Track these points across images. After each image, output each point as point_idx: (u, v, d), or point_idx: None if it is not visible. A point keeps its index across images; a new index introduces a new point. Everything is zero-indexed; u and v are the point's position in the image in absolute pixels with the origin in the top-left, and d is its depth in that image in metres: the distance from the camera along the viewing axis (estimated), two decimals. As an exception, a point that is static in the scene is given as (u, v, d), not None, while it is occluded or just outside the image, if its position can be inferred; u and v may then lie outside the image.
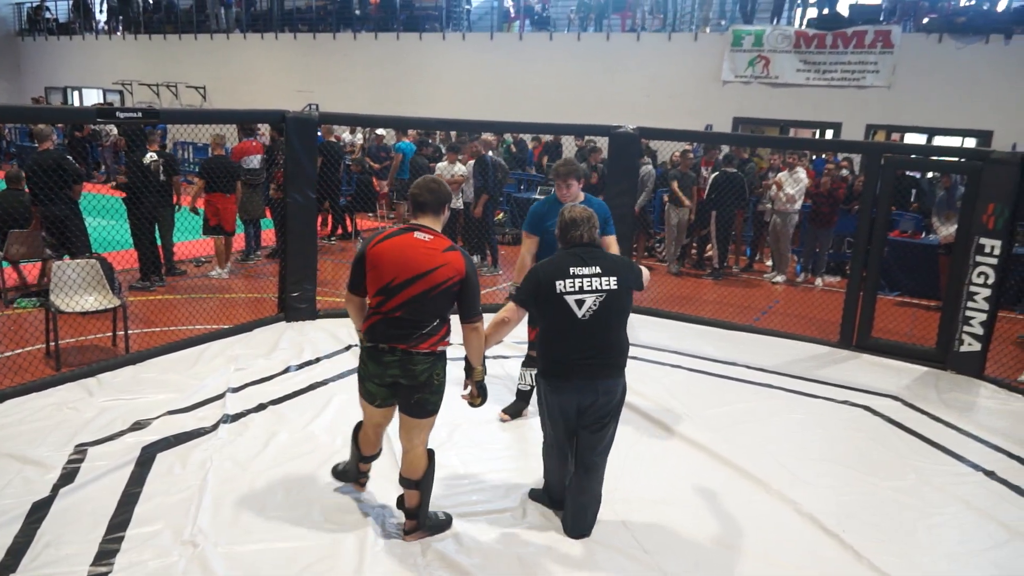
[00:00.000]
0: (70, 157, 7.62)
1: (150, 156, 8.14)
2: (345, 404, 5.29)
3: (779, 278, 10.29)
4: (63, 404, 5.01)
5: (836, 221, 10.09)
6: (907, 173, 10.36)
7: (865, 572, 3.70)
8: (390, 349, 3.45)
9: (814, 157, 12.39)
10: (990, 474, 4.84)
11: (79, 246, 7.14)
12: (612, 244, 4.88)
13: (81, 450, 4.40)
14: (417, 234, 3.44)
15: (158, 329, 6.79)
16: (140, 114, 6.01)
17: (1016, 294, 8.89)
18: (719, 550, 3.82)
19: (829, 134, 14.91)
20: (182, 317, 6.95)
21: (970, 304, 6.59)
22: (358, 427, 3.96)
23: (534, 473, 4.40)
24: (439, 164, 9.97)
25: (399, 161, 11.57)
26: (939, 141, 13.81)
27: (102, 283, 6.18)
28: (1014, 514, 4.35)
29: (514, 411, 5.24)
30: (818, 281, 10.19)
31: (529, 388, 5.13)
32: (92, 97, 24.39)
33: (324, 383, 5.67)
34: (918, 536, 4.09)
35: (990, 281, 6.49)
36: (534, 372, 4.67)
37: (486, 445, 4.83)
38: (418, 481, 3.66)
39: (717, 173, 10.29)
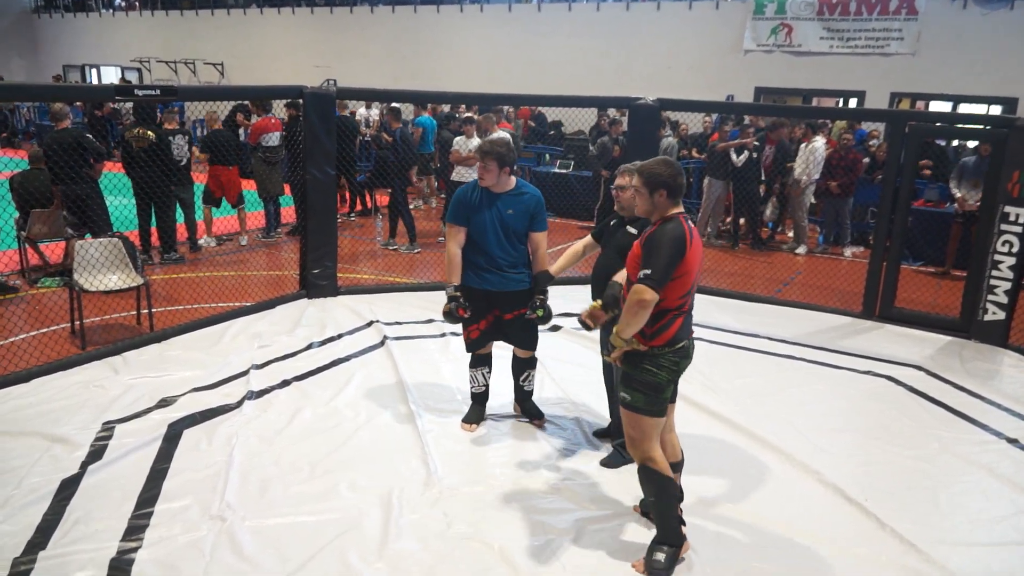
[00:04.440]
0: (90, 136, 7.65)
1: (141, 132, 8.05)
2: (367, 380, 5.34)
3: (800, 249, 10.21)
4: (89, 382, 5.08)
5: (853, 191, 9.97)
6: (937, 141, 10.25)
7: (888, 539, 3.71)
8: (690, 341, 3.35)
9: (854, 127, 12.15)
10: (1013, 442, 4.82)
11: (101, 225, 7.20)
12: (542, 242, 4.43)
13: (108, 427, 4.46)
14: (688, 222, 3.26)
15: (181, 307, 6.85)
16: (158, 91, 6.02)
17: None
18: (743, 520, 3.83)
19: (853, 103, 14.69)
20: (205, 295, 7.01)
21: (994, 273, 6.51)
22: (651, 473, 3.34)
23: (547, 453, 4.45)
24: (457, 139, 9.92)
25: (419, 135, 11.54)
26: (964, 109, 13.59)
27: (125, 262, 6.24)
28: (1037, 482, 4.33)
29: (476, 417, 4.76)
30: (847, 252, 10.09)
31: (484, 389, 4.76)
32: (110, 75, 24.46)
33: (346, 359, 5.71)
34: (940, 504, 4.09)
35: (1015, 249, 6.40)
36: (485, 371, 4.70)
37: (492, 434, 4.83)
38: (682, 460, 3.64)
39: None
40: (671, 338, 3.22)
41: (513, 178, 4.41)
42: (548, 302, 4.34)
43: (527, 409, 4.86)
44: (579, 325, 3.73)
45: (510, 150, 4.31)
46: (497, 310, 4.47)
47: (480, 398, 4.78)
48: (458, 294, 4.33)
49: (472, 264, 4.40)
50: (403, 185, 9.61)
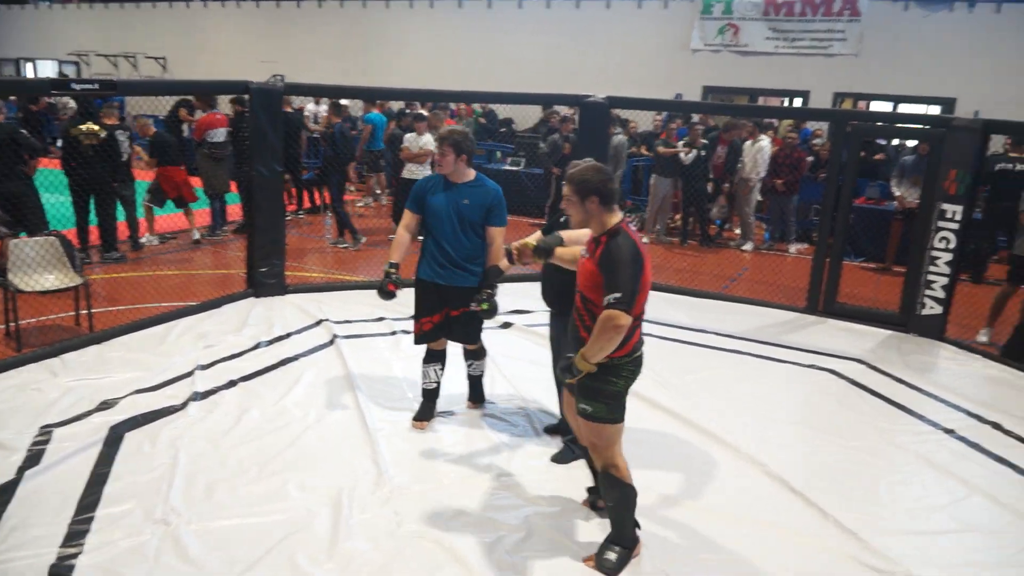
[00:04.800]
0: (24, 131, 7.40)
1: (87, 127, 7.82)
2: (316, 379, 5.28)
3: (747, 246, 10.38)
4: (26, 385, 4.91)
5: (798, 188, 10.18)
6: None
7: (830, 528, 3.80)
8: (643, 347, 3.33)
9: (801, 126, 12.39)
10: (949, 432, 4.97)
11: (36, 223, 6.98)
12: (497, 237, 4.41)
13: (46, 431, 4.32)
14: (631, 228, 3.19)
15: (123, 307, 6.68)
16: (96, 85, 5.85)
17: (975, 260, 8.93)
18: (689, 512, 3.89)
19: (798, 102, 14.99)
20: (147, 295, 6.84)
21: (932, 268, 6.70)
22: (614, 480, 3.35)
23: (498, 450, 4.46)
24: (407, 135, 9.86)
25: (368, 132, 11.43)
26: (904, 108, 13.97)
27: (62, 261, 6.05)
28: (972, 470, 4.49)
29: (427, 414, 4.76)
30: (792, 248, 10.29)
31: (435, 386, 4.75)
32: (47, 69, 23.71)
33: (295, 358, 5.63)
34: (880, 493, 4.22)
35: (951, 246, 6.61)
36: (438, 368, 4.69)
37: (443, 432, 4.83)
38: None
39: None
40: (632, 348, 3.22)
41: (473, 171, 4.46)
42: (496, 297, 4.34)
43: (471, 392, 4.97)
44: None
45: (467, 138, 4.37)
46: (447, 306, 4.46)
47: (431, 395, 4.76)
48: (393, 270, 4.33)
49: (427, 255, 4.45)
50: (340, 182, 9.55)
